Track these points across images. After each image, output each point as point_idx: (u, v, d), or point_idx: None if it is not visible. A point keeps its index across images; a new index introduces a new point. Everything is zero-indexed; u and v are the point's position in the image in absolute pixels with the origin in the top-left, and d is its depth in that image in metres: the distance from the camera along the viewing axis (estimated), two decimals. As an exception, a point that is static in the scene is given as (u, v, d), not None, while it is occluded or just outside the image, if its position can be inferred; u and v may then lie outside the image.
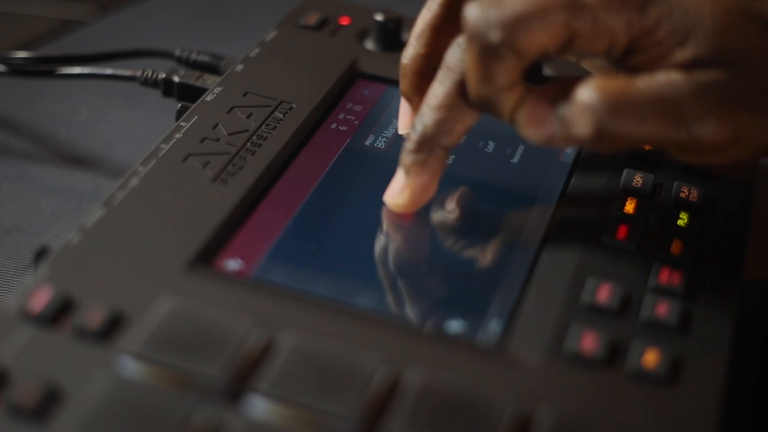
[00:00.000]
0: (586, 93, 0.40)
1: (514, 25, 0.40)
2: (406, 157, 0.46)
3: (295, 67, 0.56)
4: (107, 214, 0.44)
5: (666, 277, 0.43)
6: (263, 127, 0.51)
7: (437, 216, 0.48)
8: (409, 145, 0.45)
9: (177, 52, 0.62)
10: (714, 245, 0.46)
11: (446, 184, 0.48)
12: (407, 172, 0.46)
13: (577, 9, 0.40)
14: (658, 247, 0.45)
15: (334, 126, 0.53)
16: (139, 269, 0.42)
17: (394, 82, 0.56)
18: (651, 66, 0.41)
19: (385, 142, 0.53)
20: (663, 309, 0.42)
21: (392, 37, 0.59)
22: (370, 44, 0.59)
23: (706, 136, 0.40)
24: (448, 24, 0.48)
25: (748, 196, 0.50)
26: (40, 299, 0.40)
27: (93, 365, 0.38)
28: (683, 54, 0.40)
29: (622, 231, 0.46)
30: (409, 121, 0.49)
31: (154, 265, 0.42)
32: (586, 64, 0.50)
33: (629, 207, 0.47)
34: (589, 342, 0.40)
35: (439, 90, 0.44)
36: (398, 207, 0.47)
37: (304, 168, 0.50)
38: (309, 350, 0.39)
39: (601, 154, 0.50)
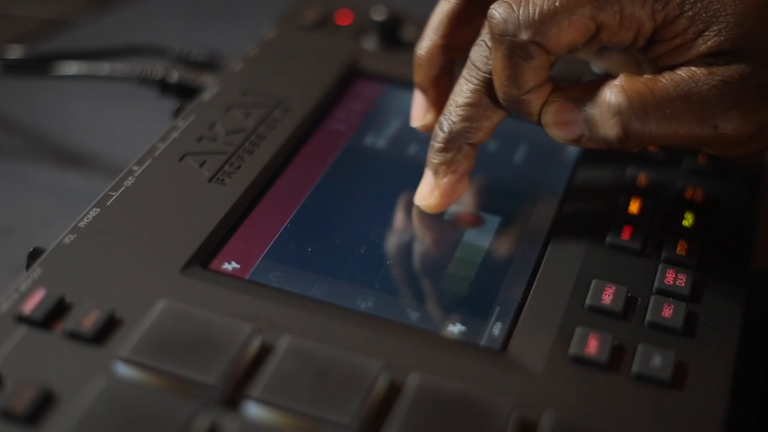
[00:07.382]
0: (612, 94, 0.41)
1: (543, 23, 0.40)
2: (433, 157, 0.45)
3: (293, 66, 0.55)
4: (101, 214, 0.44)
5: (671, 278, 0.43)
6: (261, 126, 0.50)
7: (440, 218, 0.47)
8: (436, 144, 0.45)
9: (175, 50, 0.61)
10: (719, 245, 0.45)
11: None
12: (435, 172, 0.45)
13: (603, 1, 0.40)
14: (663, 248, 0.44)
15: (332, 126, 0.53)
16: (133, 271, 0.41)
17: (394, 81, 0.55)
18: (673, 56, 0.41)
19: (384, 141, 0.52)
20: (668, 311, 0.41)
21: (391, 36, 0.58)
22: (368, 43, 0.59)
23: (731, 131, 0.40)
24: (467, 16, 0.47)
25: (754, 192, 0.49)
26: (32, 300, 0.39)
27: (85, 368, 0.37)
28: (705, 44, 0.40)
29: (626, 232, 0.45)
30: (422, 113, 0.49)
31: (148, 266, 0.41)
32: (598, 59, 0.50)
33: (633, 207, 0.46)
34: (594, 345, 0.39)
35: (465, 87, 0.44)
36: (428, 208, 0.46)
37: (303, 168, 0.49)
38: (308, 356, 0.38)
39: (606, 153, 0.49)
